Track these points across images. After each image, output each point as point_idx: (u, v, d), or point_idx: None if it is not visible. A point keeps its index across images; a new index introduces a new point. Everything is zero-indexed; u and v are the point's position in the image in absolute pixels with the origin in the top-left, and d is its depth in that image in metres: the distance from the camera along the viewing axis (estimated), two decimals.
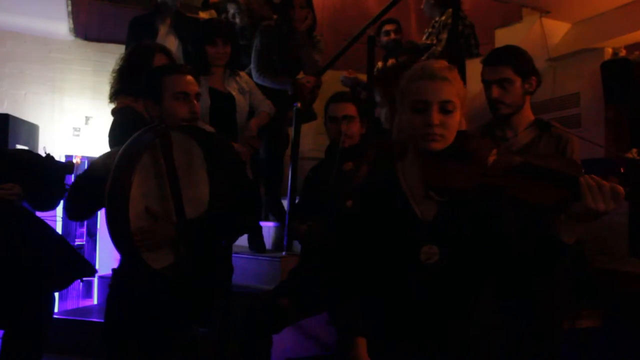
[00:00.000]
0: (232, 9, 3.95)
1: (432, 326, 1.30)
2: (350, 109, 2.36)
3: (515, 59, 1.95)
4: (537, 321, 1.86)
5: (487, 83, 1.95)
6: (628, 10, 3.30)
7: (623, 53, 3.36)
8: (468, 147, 1.31)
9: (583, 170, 1.21)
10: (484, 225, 1.31)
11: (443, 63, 1.36)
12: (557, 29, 3.72)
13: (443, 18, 3.78)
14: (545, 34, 3.67)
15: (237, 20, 3.90)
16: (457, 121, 1.33)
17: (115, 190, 1.57)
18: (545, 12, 3.62)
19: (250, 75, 3.28)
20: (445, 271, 1.30)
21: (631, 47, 3.35)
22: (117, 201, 1.56)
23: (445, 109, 1.30)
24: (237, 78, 3.00)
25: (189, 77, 1.92)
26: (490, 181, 1.24)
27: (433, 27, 3.99)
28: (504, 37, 3.95)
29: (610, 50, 3.44)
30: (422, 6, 4.13)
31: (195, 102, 1.90)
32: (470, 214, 1.32)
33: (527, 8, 3.76)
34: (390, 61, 3.88)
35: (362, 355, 1.32)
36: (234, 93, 2.94)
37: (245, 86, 3.01)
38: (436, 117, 1.29)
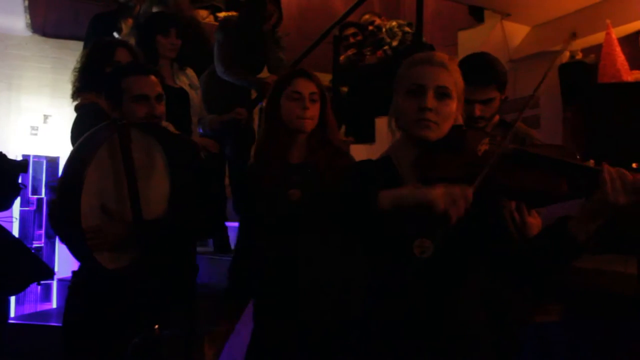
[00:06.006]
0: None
1: (423, 319, 1.27)
2: None
3: (499, 75, 1.90)
4: (498, 316, 1.89)
5: (467, 102, 1.78)
6: (584, 14, 3.41)
7: (580, 56, 3.46)
8: (462, 139, 1.27)
9: (578, 158, 1.18)
10: (478, 220, 1.27)
11: (444, 54, 1.34)
12: (518, 32, 3.80)
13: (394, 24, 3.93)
14: (506, 36, 3.75)
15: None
16: (452, 111, 1.30)
17: (67, 184, 1.53)
18: (505, 14, 3.70)
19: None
20: (439, 265, 1.26)
21: (587, 50, 3.45)
22: (69, 196, 1.52)
23: (441, 95, 1.28)
24: (187, 72, 2.97)
25: (151, 78, 1.86)
26: (481, 170, 1.19)
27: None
28: (466, 39, 4.02)
29: (567, 53, 3.54)
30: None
31: (155, 104, 1.85)
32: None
33: (488, 11, 3.84)
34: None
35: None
36: (185, 88, 2.89)
37: (196, 82, 2.98)
38: (431, 101, 1.26)
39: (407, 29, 3.79)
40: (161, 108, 1.88)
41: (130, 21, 3.50)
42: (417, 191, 1.17)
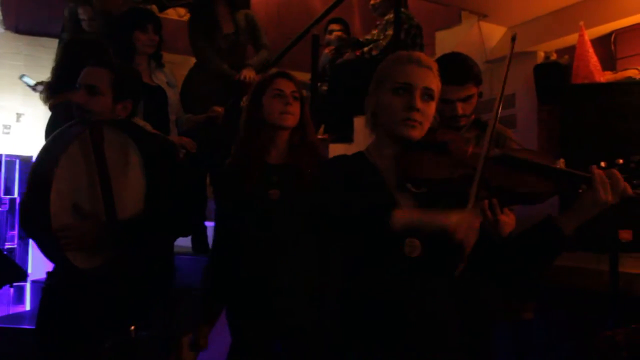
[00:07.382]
0: (84, 15, 3.50)
1: (402, 319, 1.27)
2: None
3: (477, 73, 1.94)
4: (472, 315, 1.90)
5: (449, 101, 1.87)
6: (559, 16, 3.47)
7: (554, 57, 3.52)
8: (442, 139, 1.31)
9: (562, 162, 1.25)
10: None
11: (428, 57, 1.38)
12: (494, 33, 3.85)
13: (390, 17, 3.85)
14: (483, 37, 3.79)
15: (86, 26, 3.47)
16: (433, 113, 1.34)
17: (36, 183, 1.49)
18: (482, 15, 3.75)
19: None
20: (427, 264, 1.27)
21: (561, 51, 3.52)
22: (38, 195, 1.49)
23: (427, 96, 1.31)
24: (165, 70, 2.94)
25: (98, 69, 1.78)
26: (472, 172, 1.22)
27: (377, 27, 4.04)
28: (444, 39, 4.05)
29: (542, 54, 3.60)
30: (369, 6, 4.17)
31: (85, 94, 1.75)
32: (450, 207, 1.25)
33: (466, 12, 3.88)
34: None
35: None
36: (162, 86, 2.86)
37: (173, 80, 2.96)
38: (419, 101, 1.29)
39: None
40: (96, 102, 1.76)
41: None
42: (435, 217, 1.18)
